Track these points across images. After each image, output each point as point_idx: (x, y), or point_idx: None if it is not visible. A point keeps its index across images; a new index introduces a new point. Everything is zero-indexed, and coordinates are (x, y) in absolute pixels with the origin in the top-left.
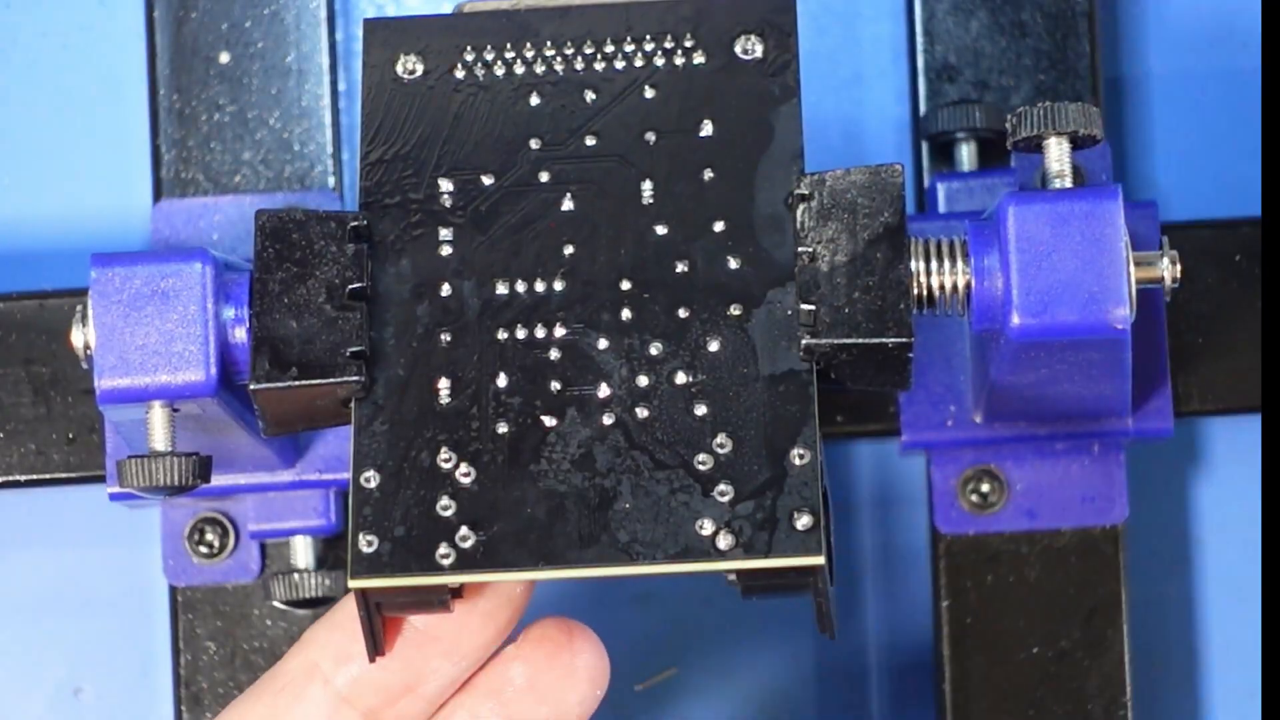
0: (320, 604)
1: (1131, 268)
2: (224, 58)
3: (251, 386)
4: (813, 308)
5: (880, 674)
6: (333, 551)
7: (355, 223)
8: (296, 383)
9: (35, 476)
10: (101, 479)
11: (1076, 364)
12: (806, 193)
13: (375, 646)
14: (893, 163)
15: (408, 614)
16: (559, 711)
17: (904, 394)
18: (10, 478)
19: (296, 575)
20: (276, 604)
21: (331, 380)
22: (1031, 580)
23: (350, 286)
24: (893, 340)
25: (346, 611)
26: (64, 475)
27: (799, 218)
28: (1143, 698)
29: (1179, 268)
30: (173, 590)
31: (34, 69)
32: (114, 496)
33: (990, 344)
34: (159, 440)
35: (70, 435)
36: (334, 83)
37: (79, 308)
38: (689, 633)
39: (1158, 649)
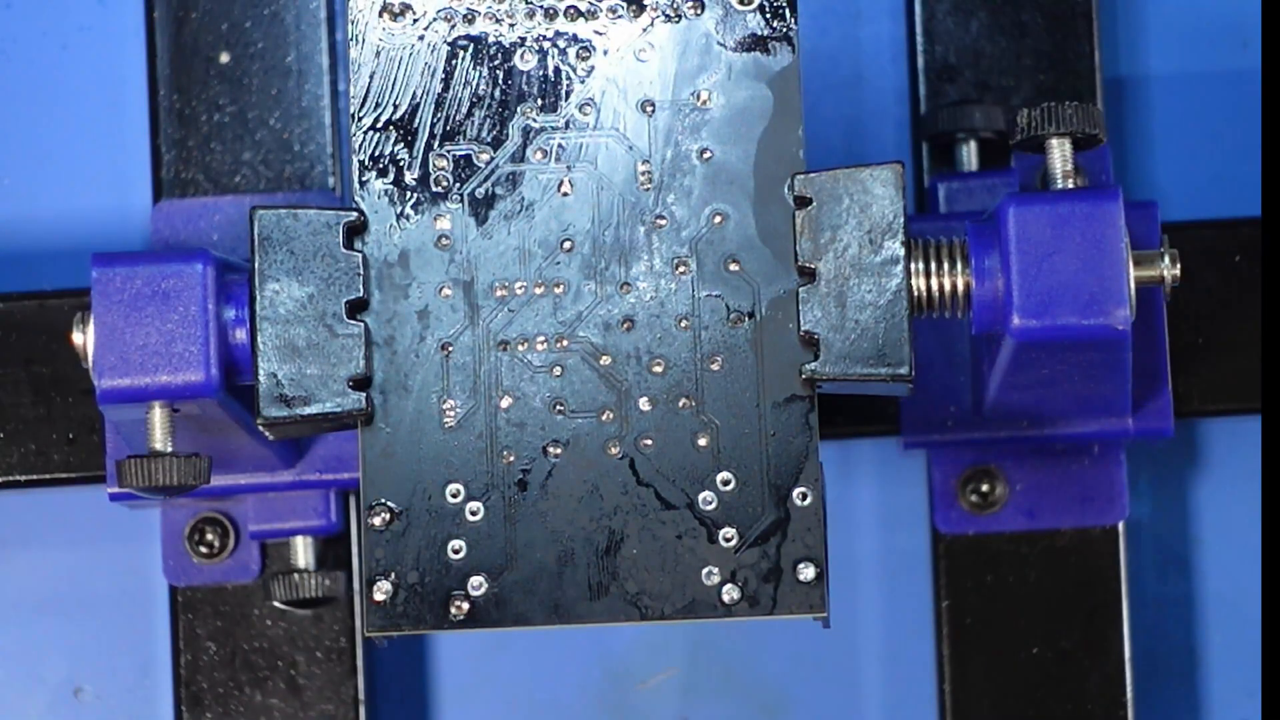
0: (320, 604)
1: (1131, 268)
2: (224, 58)
3: (258, 422)
4: (813, 335)
5: (880, 674)
6: (332, 551)
7: (351, 221)
8: (302, 417)
9: (35, 476)
10: (101, 479)
11: (1077, 364)
12: (806, 195)
13: None
14: (893, 160)
15: None
16: None
17: None
18: (10, 478)
19: (296, 575)
20: (276, 604)
21: (336, 413)
22: (1031, 580)
23: (349, 299)
24: (892, 373)
25: None
26: (64, 475)
27: (799, 225)
28: (1143, 698)
29: (1179, 267)
30: (173, 590)
31: (34, 69)
32: (114, 496)
33: (991, 345)
34: (159, 441)
35: (70, 435)
36: (334, 83)
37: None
38: (689, 633)
39: (1158, 649)
